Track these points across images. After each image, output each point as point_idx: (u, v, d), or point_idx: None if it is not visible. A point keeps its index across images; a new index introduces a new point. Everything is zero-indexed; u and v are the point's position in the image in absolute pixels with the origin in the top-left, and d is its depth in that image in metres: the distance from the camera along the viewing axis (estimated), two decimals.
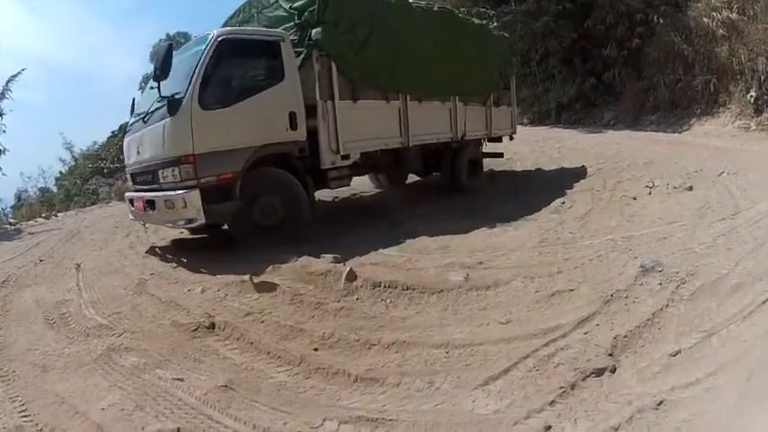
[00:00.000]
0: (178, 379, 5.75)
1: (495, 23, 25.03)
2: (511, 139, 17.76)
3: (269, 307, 7.42)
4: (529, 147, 19.53)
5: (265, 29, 10.95)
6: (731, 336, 5.30)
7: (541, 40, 24.71)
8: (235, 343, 6.63)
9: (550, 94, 25.26)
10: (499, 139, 17.25)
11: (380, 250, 9.40)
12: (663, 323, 5.68)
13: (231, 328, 6.88)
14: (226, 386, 5.51)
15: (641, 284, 6.60)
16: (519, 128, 24.58)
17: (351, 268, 7.93)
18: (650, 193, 11.53)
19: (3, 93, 25.95)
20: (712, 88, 19.24)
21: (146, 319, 7.70)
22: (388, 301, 7.33)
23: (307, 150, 10.53)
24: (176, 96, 9.22)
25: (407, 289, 7.46)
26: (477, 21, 17.17)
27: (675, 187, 11.44)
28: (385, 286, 7.56)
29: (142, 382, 5.79)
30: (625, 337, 5.45)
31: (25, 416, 5.48)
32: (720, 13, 19.74)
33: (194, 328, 7.01)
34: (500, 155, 17.48)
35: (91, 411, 5.29)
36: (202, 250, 10.95)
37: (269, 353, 6.27)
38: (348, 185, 12.32)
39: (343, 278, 7.76)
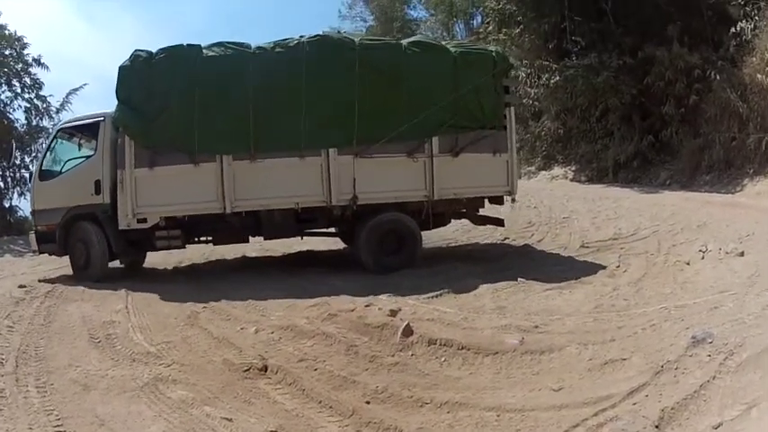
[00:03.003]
0: (226, 419, 5.93)
1: (558, 77, 25.38)
2: (513, 201, 14.09)
3: (323, 355, 7.67)
4: (586, 206, 19.07)
5: (93, 114, 13.21)
6: None
7: (602, 96, 24.65)
8: (286, 388, 6.85)
9: (609, 152, 25.04)
10: (499, 200, 14.07)
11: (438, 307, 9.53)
12: (708, 395, 5.75)
13: (284, 372, 7.12)
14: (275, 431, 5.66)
15: (691, 356, 6.64)
16: (576, 186, 24.48)
17: (408, 323, 8.13)
18: (703, 258, 11.46)
19: (63, 104, 26.82)
20: (764, 146, 19.01)
21: (196, 352, 8.00)
22: (443, 359, 7.52)
23: (109, 212, 12.28)
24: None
25: (462, 348, 7.62)
26: (406, 41, 13.61)
27: (728, 252, 11.32)
28: (440, 344, 7.75)
29: (189, 416, 5.99)
30: (672, 409, 5.53)
31: (60, 431, 5.67)
32: None
33: (246, 368, 7.28)
34: (499, 222, 14.56)
35: None
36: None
37: (320, 402, 6.45)
38: (181, 247, 13.02)
39: (400, 333, 7.98)
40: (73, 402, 6.40)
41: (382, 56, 12.81)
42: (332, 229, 14.35)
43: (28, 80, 26.75)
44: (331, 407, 6.34)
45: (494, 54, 13.75)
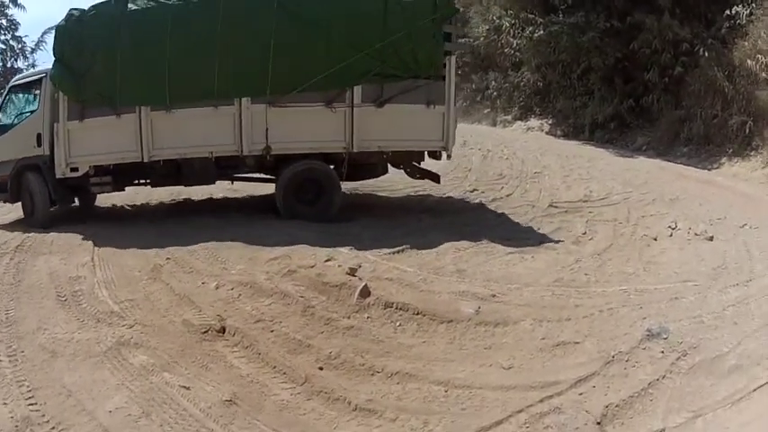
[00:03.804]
0: (184, 387, 6.01)
1: (542, 31, 25.07)
2: (449, 157, 13.27)
3: (280, 315, 7.67)
4: (560, 162, 18.74)
5: (39, 70, 14.37)
6: (717, 420, 5.41)
7: (585, 55, 24.36)
8: (243, 351, 6.90)
9: (587, 110, 24.85)
10: (436, 156, 13.21)
11: (398, 265, 9.46)
12: (656, 395, 5.77)
13: (241, 334, 7.17)
14: (230, 401, 5.77)
15: (644, 349, 6.65)
16: (551, 140, 24.44)
17: (366, 284, 8.11)
18: (671, 236, 11.36)
19: (38, 44, 26.44)
20: (747, 130, 18.79)
21: (158, 311, 8.02)
22: (398, 324, 7.53)
23: (49, 162, 12.63)
24: None
25: (418, 314, 7.64)
26: None
27: (697, 234, 11.23)
28: (396, 308, 7.76)
29: (149, 385, 6.07)
30: (617, 406, 5.56)
31: (32, 404, 5.75)
32: (765, 57, 19.11)
33: (205, 330, 7.30)
34: (434, 177, 13.91)
35: (98, 411, 5.56)
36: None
37: (275, 367, 6.52)
38: (117, 191, 13.56)
39: (357, 294, 7.97)
40: (42, 371, 6.47)
41: (316, 2, 12.20)
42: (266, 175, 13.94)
43: (4, 22, 26.50)
44: (284, 372, 6.41)
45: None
